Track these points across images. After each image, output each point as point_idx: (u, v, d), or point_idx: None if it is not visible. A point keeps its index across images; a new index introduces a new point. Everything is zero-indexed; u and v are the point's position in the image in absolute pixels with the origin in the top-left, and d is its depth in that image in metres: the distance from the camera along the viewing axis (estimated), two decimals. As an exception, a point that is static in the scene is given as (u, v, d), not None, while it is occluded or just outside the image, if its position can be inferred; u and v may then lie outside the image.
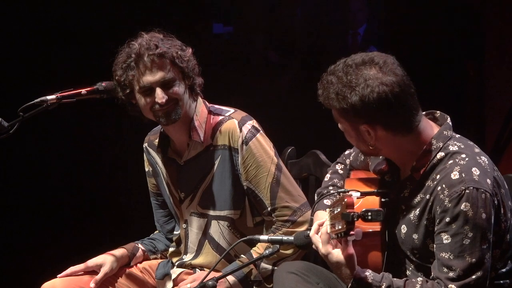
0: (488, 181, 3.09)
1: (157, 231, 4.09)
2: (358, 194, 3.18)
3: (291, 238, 3.27)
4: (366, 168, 3.54)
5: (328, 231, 3.08)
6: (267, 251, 3.31)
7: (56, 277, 3.79)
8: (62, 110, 3.79)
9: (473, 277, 3.05)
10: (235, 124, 3.74)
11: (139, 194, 4.29)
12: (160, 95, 3.63)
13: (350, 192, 3.14)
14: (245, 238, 3.46)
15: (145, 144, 3.97)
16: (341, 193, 3.24)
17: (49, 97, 3.67)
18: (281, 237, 3.29)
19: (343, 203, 2.99)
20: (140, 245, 3.97)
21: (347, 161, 3.62)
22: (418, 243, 3.19)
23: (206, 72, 3.84)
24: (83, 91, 3.73)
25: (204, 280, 3.28)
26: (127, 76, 3.66)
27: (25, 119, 3.59)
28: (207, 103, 3.84)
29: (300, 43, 6.81)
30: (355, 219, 2.95)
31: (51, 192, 5.98)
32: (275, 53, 6.75)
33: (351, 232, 2.98)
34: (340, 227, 3.00)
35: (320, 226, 3.14)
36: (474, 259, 3.05)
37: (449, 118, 3.26)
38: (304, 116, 6.23)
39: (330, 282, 3.31)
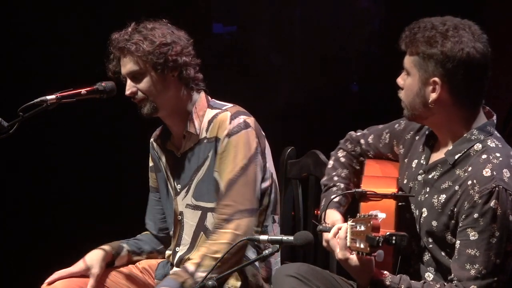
0: None
1: (146, 232, 4.06)
2: (384, 215, 3.14)
3: (291, 238, 3.24)
4: (386, 153, 3.52)
5: (348, 244, 3.08)
6: (267, 251, 3.30)
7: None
8: (62, 109, 3.79)
9: (495, 279, 3.05)
10: (227, 116, 3.74)
11: (140, 195, 4.29)
12: (127, 87, 3.74)
13: (375, 212, 3.12)
14: (245, 238, 3.47)
15: (152, 139, 3.99)
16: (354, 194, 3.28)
17: (49, 97, 3.67)
18: (281, 237, 3.26)
19: (369, 224, 2.99)
20: (125, 245, 3.94)
21: (361, 141, 3.59)
22: (436, 231, 3.20)
23: (206, 71, 3.84)
24: (83, 91, 3.74)
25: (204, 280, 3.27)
26: (109, 67, 3.77)
27: (24, 119, 3.60)
28: (209, 98, 3.85)
29: (301, 43, 6.80)
30: (380, 244, 2.96)
31: (51, 192, 5.97)
32: (277, 55, 6.74)
33: (373, 254, 3.00)
34: (362, 246, 3.01)
35: (339, 230, 3.14)
36: (498, 260, 3.05)
37: (495, 116, 3.28)
38: (304, 116, 6.23)
39: (331, 286, 3.29)
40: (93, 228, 5.80)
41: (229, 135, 3.71)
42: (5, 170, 5.89)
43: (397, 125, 3.51)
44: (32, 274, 4.09)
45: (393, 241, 2.99)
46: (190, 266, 3.65)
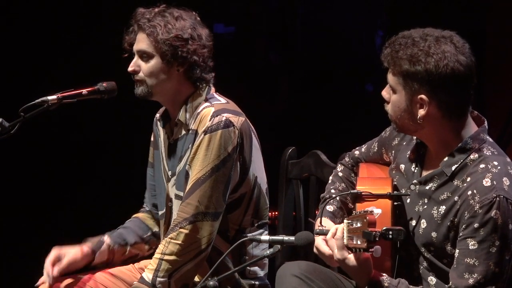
0: None
1: (136, 215, 4.00)
2: (380, 211, 3.16)
3: (292, 238, 3.23)
4: (378, 160, 3.53)
5: (345, 242, 3.08)
6: (268, 251, 3.29)
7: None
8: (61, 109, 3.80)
9: (493, 287, 3.06)
10: (210, 112, 3.69)
11: (140, 194, 4.29)
12: (131, 63, 3.74)
13: (371, 208, 3.13)
14: (246, 238, 3.44)
15: (157, 115, 3.96)
16: (346, 198, 3.25)
17: (50, 97, 3.68)
18: (282, 237, 3.25)
19: (365, 220, 2.99)
20: (106, 238, 3.86)
21: (355, 154, 3.60)
22: (436, 242, 3.19)
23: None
24: (84, 91, 3.75)
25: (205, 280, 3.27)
26: (126, 38, 3.76)
27: (26, 119, 3.60)
28: (211, 91, 3.80)
29: (301, 43, 6.81)
30: (377, 239, 2.97)
31: (51, 191, 5.98)
32: (277, 55, 6.74)
33: (371, 250, 3.00)
34: (359, 242, 3.01)
35: (337, 230, 3.13)
36: (497, 269, 3.05)
37: (486, 121, 3.27)
38: (305, 116, 6.24)
39: (334, 285, 3.29)
40: (94, 228, 5.80)
41: (205, 131, 3.65)
42: (5, 170, 5.89)
43: (384, 133, 3.53)
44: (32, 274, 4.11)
45: (390, 236, 2.99)
46: (148, 274, 3.64)
